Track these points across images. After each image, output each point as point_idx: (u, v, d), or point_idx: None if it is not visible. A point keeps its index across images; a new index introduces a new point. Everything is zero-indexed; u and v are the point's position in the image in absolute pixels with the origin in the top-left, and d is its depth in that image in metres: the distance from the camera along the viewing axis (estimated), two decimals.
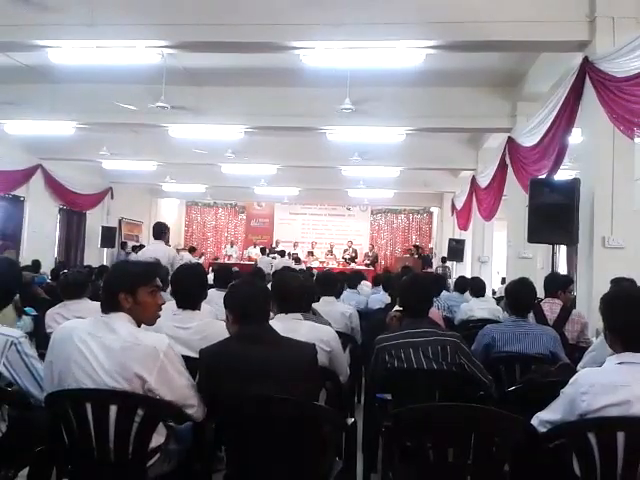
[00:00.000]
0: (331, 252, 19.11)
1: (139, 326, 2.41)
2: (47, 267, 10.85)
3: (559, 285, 5.01)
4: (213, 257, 20.26)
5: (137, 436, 2.28)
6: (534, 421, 2.30)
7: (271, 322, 2.74)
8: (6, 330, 2.50)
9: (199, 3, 6.09)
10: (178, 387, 2.35)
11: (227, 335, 2.65)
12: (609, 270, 4.94)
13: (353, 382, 4.29)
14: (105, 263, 14.76)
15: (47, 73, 8.62)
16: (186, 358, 2.51)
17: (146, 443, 2.30)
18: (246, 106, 9.30)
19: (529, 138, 7.19)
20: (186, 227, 22.16)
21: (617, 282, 4.26)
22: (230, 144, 11.47)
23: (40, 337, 4.76)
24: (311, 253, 19.05)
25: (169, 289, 3.89)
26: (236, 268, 12.51)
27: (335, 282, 5.24)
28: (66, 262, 13.96)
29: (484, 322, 5.12)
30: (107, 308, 2.38)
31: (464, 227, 13.51)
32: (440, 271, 15.44)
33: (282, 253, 17.03)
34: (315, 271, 12.11)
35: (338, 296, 5.33)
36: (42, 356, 2.68)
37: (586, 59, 5.51)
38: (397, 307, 3.85)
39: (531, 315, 4.15)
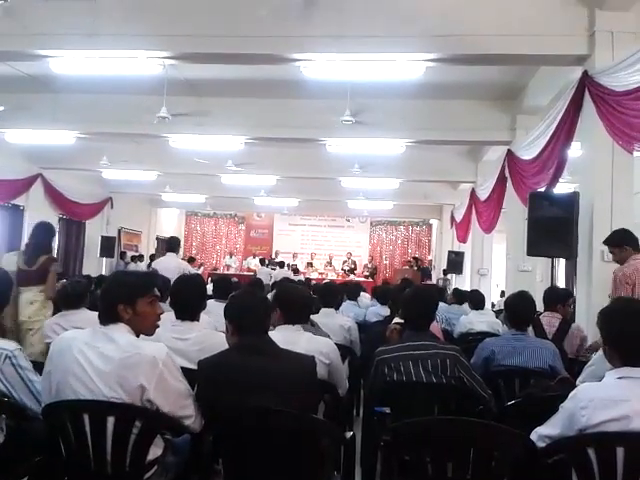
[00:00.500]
0: (330, 263, 19.11)
1: (138, 336, 2.41)
2: None
3: (558, 299, 5.01)
4: (212, 267, 20.25)
5: (134, 448, 2.27)
6: (533, 436, 2.29)
7: (271, 333, 2.73)
8: (0, 343, 2.50)
9: (201, 15, 6.12)
10: (176, 397, 2.35)
11: (226, 346, 2.65)
12: (608, 284, 4.92)
13: (352, 395, 4.28)
14: (104, 273, 14.75)
15: (49, 83, 8.64)
16: (184, 369, 2.50)
17: (143, 455, 2.30)
18: (246, 117, 9.33)
19: (528, 151, 7.20)
20: (185, 237, 22.13)
21: (617, 297, 4.25)
22: (230, 155, 11.49)
23: None
24: (310, 264, 19.05)
25: (168, 300, 3.90)
26: (235, 279, 12.51)
27: (336, 294, 5.24)
28: (65, 272, 13.94)
29: (483, 335, 5.12)
30: (106, 320, 2.38)
31: (463, 239, 13.51)
32: (441, 283, 15.45)
33: (281, 264, 17.03)
34: (313, 282, 12.12)
35: (338, 308, 5.32)
36: (40, 365, 2.68)
37: (585, 73, 5.53)
38: (397, 320, 3.85)
39: (530, 329, 4.15)
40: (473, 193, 11.87)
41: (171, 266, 5.74)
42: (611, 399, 2.12)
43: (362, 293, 8.71)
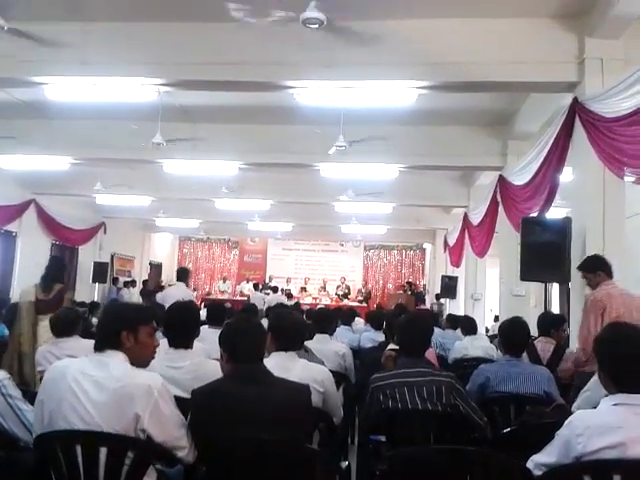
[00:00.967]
0: (324, 288, 19.08)
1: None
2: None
3: (552, 324, 5.02)
4: (206, 292, 20.17)
5: (127, 479, 2.23)
6: (529, 464, 2.27)
7: (266, 360, 2.72)
8: None
9: (195, 42, 6.18)
10: (170, 427, 2.33)
11: (219, 375, 2.63)
12: None
13: (346, 423, 4.24)
14: (97, 299, 14.68)
15: (43, 109, 8.67)
16: (177, 398, 2.47)
17: None
18: (240, 143, 9.38)
19: (520, 177, 7.26)
20: (179, 262, 22.06)
21: (610, 322, 4.24)
22: (224, 180, 11.53)
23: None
24: (304, 289, 19.02)
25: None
26: (229, 304, 12.47)
27: (330, 319, 5.22)
28: None
29: (478, 361, 5.11)
30: (105, 345, 2.37)
31: (457, 264, 13.54)
32: (435, 308, 15.43)
33: (275, 289, 17.00)
34: (307, 307, 12.08)
35: (332, 334, 5.30)
36: (31, 394, 2.65)
37: (576, 99, 5.60)
38: (392, 346, 3.84)
39: (525, 354, 4.14)
40: (466, 217, 11.92)
41: (178, 295, 5.89)
42: (607, 426, 2.11)
43: (356, 318, 8.68)
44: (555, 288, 10.38)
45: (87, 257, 15.99)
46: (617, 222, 5.49)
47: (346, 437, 4.54)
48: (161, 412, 2.28)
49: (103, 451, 2.21)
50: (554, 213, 6.87)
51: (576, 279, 5.56)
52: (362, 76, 6.09)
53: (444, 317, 10.04)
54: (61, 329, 4.45)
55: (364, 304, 17.71)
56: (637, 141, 4.50)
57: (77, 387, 2.25)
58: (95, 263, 16.04)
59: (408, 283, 19.16)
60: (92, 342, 4.10)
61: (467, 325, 6.63)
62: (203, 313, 5.62)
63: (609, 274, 4.65)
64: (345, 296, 18.64)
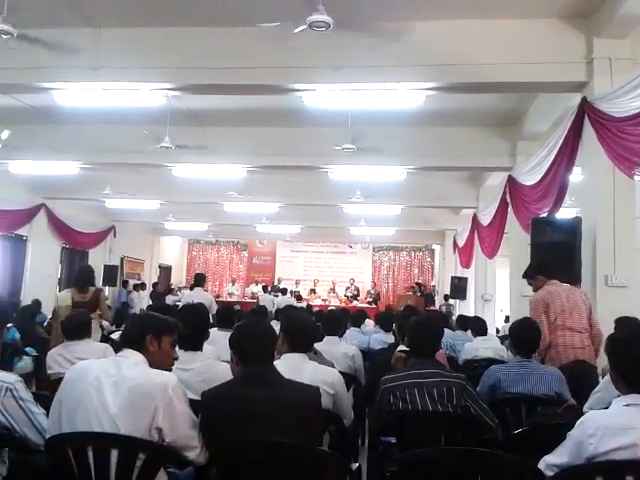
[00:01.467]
0: (333, 290, 19.07)
1: None
2: (49, 306, 10.81)
3: None
4: (215, 295, 20.20)
5: None
6: (541, 465, 2.27)
7: (276, 362, 2.73)
8: (1, 376, 2.50)
9: (203, 47, 6.21)
10: (183, 426, 2.36)
11: (229, 377, 2.64)
12: (612, 309, 4.90)
13: (356, 424, 4.24)
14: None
15: (53, 114, 8.74)
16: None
17: None
18: (249, 146, 9.40)
19: (529, 177, 7.23)
20: (188, 265, 22.18)
21: (621, 322, 4.23)
22: (233, 183, 11.55)
23: (41, 378, 4.74)
24: (313, 291, 19.02)
25: None
26: (238, 306, 12.50)
27: (341, 321, 5.22)
28: None
29: (488, 362, 5.09)
30: (127, 345, 2.46)
31: (466, 265, 13.50)
32: (444, 309, 15.39)
33: (284, 291, 17.01)
34: (316, 309, 12.08)
35: (341, 336, 5.30)
36: (42, 396, 2.67)
37: (584, 99, 5.57)
38: (402, 347, 3.83)
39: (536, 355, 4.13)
40: (475, 218, 11.89)
41: (198, 299, 6.68)
42: (618, 427, 2.10)
43: (366, 320, 8.68)
44: None
45: (97, 260, 16.03)
46: (627, 221, 5.47)
47: (356, 439, 4.54)
48: (174, 409, 2.32)
49: (114, 453, 2.23)
50: (564, 213, 6.84)
51: (587, 279, 5.54)
52: (370, 78, 6.09)
53: (454, 318, 10.00)
54: (72, 332, 4.47)
55: (373, 305, 17.69)
56: None
57: (96, 388, 2.29)
58: (105, 266, 16.11)
59: (417, 284, 19.11)
60: (103, 345, 4.14)
61: (477, 326, 6.61)
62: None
63: (548, 275, 4.93)
64: (354, 297, 18.63)
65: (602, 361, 4.62)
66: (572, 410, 3.22)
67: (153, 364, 2.45)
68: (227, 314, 5.49)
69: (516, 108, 8.22)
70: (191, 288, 17.23)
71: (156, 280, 19.05)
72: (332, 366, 3.65)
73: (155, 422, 2.27)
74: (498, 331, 11.18)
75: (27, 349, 6.40)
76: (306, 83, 6.32)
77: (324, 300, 18.18)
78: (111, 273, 16.20)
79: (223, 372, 2.85)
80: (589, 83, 5.66)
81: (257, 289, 19.00)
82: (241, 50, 6.14)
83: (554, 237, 5.93)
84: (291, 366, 2.91)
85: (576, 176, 6.14)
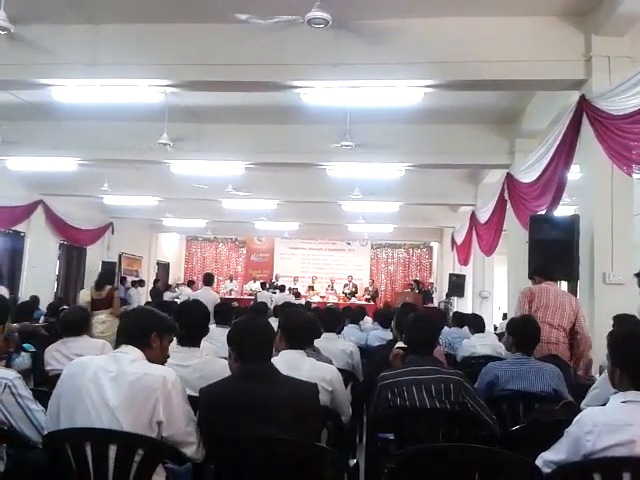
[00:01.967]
0: (332, 287, 19.07)
1: None
2: (46, 303, 10.81)
3: None
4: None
5: (136, 477, 2.25)
6: (538, 461, 2.27)
7: (274, 358, 2.73)
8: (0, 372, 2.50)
9: (201, 43, 6.21)
10: (182, 421, 2.37)
11: (227, 373, 2.64)
12: (610, 306, 4.92)
13: (355, 421, 4.24)
14: None
15: (50, 111, 8.72)
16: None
17: None
18: (247, 143, 9.40)
19: (528, 174, 7.24)
20: (186, 262, 22.17)
21: (619, 319, 4.24)
22: (231, 180, 11.54)
23: (38, 374, 4.73)
24: (312, 288, 19.02)
25: None
26: (236, 303, 12.50)
27: (339, 318, 5.23)
28: (65, 298, 13.92)
29: (486, 359, 5.09)
30: (131, 341, 2.48)
31: (464, 262, 13.51)
32: (442, 306, 15.40)
33: (282, 288, 17.00)
34: (314, 306, 12.08)
35: (340, 332, 5.30)
36: (40, 393, 2.67)
37: (583, 97, 5.58)
38: (400, 344, 3.83)
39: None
40: (473, 216, 11.90)
41: (207, 298, 7.10)
42: (616, 423, 2.10)
43: (364, 317, 8.68)
44: (563, 286, 10.35)
45: (95, 257, 16.06)
46: (625, 219, 5.48)
47: (354, 435, 4.54)
48: (173, 404, 2.33)
49: (113, 449, 2.23)
50: (562, 211, 6.85)
51: (584, 276, 5.56)
52: (368, 75, 6.09)
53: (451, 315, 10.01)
54: (69, 328, 4.46)
55: (371, 303, 17.69)
56: None
57: (95, 383, 2.30)
58: (103, 263, 16.08)
59: (415, 281, 19.09)
60: (101, 342, 4.14)
61: (475, 323, 6.60)
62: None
63: (544, 276, 5.09)
64: (352, 295, 18.62)
65: (600, 358, 4.65)
66: (570, 407, 3.23)
67: (152, 359, 2.47)
68: (225, 311, 5.49)
69: (514, 106, 8.22)
70: (189, 284, 17.41)
71: (157, 277, 19.05)
72: (330, 363, 3.65)
73: (156, 416, 2.28)
74: (496, 328, 11.18)
75: (25, 345, 6.39)
76: (304, 80, 6.31)
77: (322, 297, 18.19)
78: (109, 270, 16.17)
79: (221, 369, 2.85)
80: (587, 81, 5.67)
81: (255, 286, 18.98)
82: (239, 47, 6.13)
83: (552, 235, 5.94)
84: (289, 363, 2.91)
85: (574, 174, 6.14)
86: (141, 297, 16.03)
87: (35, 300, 9.34)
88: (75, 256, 15.40)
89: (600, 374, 3.91)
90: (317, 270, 20.43)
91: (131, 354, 2.42)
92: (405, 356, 3.46)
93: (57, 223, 14.00)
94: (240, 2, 5.65)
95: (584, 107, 5.53)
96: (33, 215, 13.12)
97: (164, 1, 5.86)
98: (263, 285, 18.36)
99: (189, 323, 3.21)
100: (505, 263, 9.67)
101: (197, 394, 2.55)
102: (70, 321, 4.51)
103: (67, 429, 2.29)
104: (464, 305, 13.59)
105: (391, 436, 3.14)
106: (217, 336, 4.17)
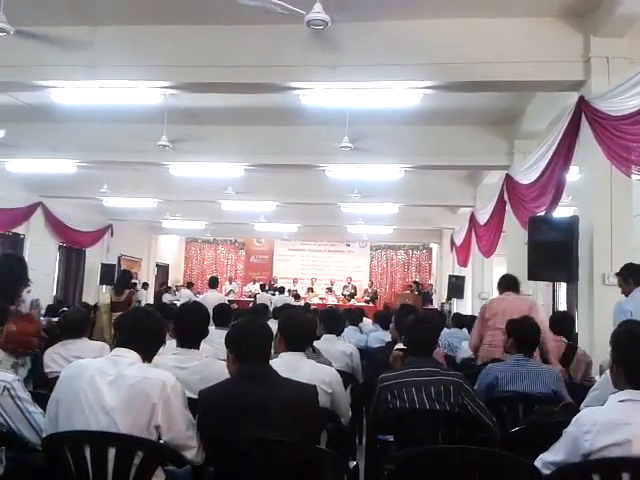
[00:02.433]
0: (331, 289, 19.06)
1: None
2: (46, 305, 10.79)
3: (565, 323, 5.00)
4: None
5: None
6: (537, 463, 2.27)
7: (274, 360, 2.72)
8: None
9: (200, 45, 6.20)
10: (181, 424, 2.37)
11: (226, 375, 2.64)
12: (609, 307, 4.90)
13: (354, 423, 4.24)
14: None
15: (50, 112, 8.72)
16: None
17: None
18: (246, 144, 9.39)
19: (527, 176, 7.24)
20: (185, 263, 22.16)
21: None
22: (230, 181, 11.55)
23: (37, 376, 4.73)
24: (311, 289, 19.01)
25: None
26: (235, 305, 12.50)
27: (340, 320, 5.23)
28: (64, 300, 13.90)
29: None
30: (130, 343, 2.48)
31: (464, 263, 13.50)
32: (446, 308, 15.38)
33: (281, 290, 17.00)
34: (313, 307, 12.07)
35: (340, 334, 5.30)
36: (39, 395, 2.67)
37: (582, 98, 5.58)
38: (400, 345, 3.83)
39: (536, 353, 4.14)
40: (472, 217, 11.90)
41: (215, 299, 8.07)
42: (613, 422, 2.11)
43: (364, 319, 8.68)
44: (563, 287, 10.36)
45: (94, 259, 16.04)
46: (625, 220, 5.48)
47: (354, 437, 4.54)
48: (172, 407, 2.33)
49: (112, 452, 2.23)
50: (561, 212, 6.85)
51: (584, 278, 5.55)
52: (367, 77, 6.09)
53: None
54: (69, 331, 4.46)
55: (371, 304, 17.69)
56: None
57: (93, 386, 2.30)
58: (103, 265, 16.08)
59: (415, 283, 19.10)
60: (100, 344, 4.14)
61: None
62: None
63: (505, 289, 5.39)
64: (352, 296, 18.62)
65: (599, 359, 4.65)
66: (570, 408, 3.22)
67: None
68: (224, 313, 5.48)
69: (513, 107, 8.22)
70: (188, 286, 17.42)
71: (154, 279, 19.05)
72: (329, 364, 3.65)
73: (154, 420, 2.28)
74: None
75: None
76: (303, 81, 6.31)
77: (322, 299, 18.18)
78: (108, 272, 16.14)
79: (220, 371, 2.84)
80: (586, 82, 5.66)
81: (255, 288, 18.97)
82: (238, 48, 6.14)
83: (551, 236, 5.93)
84: (288, 365, 2.91)
85: (573, 175, 6.15)
86: (143, 299, 15.98)
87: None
88: (74, 258, 15.38)
89: (600, 375, 3.91)
90: (316, 272, 20.42)
91: (129, 357, 2.41)
92: (405, 358, 3.46)
93: (56, 225, 14.00)
94: (239, 5, 5.64)
95: (583, 108, 5.53)
96: (32, 217, 13.11)
97: (163, 3, 5.86)
98: (262, 287, 18.35)
99: (189, 325, 3.22)
100: (504, 264, 9.66)
101: (196, 396, 2.55)
102: (70, 323, 4.51)
103: (66, 432, 2.28)
104: (463, 306, 13.58)
105: (391, 438, 3.14)
106: (216, 338, 4.16)
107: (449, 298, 15.59)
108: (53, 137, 9.58)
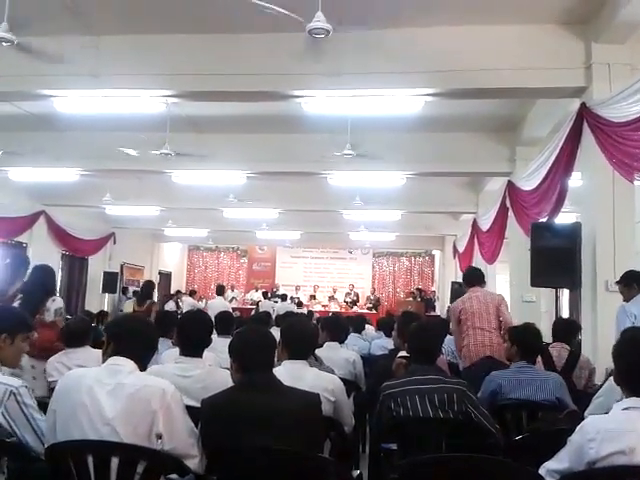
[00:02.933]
0: (333, 297, 19.04)
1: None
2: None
3: (569, 330, 4.99)
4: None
5: None
6: (541, 471, 2.26)
7: (277, 369, 2.72)
8: (6, 379, 2.50)
9: (202, 54, 6.23)
10: (182, 433, 2.36)
11: (229, 384, 2.64)
12: (612, 314, 4.90)
13: (357, 431, 4.22)
14: (106, 309, 14.72)
15: (52, 121, 8.74)
16: (188, 407, 2.48)
17: None
18: (248, 152, 9.41)
19: (529, 182, 7.24)
20: (188, 271, 22.16)
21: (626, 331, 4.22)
22: (232, 189, 11.57)
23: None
24: (313, 297, 18.99)
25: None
26: (238, 313, 12.50)
27: (343, 327, 5.22)
28: (67, 308, 13.88)
29: None
30: (127, 351, 2.46)
31: None
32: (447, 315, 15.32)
33: (284, 297, 16.99)
34: (316, 315, 12.07)
35: (343, 342, 5.29)
36: (44, 404, 2.66)
37: (583, 105, 5.58)
38: (403, 353, 3.82)
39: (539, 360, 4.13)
40: (475, 224, 11.89)
41: (220, 305, 8.80)
42: (617, 430, 2.09)
43: (367, 326, 8.66)
44: (566, 294, 10.33)
45: (97, 267, 16.05)
46: (627, 226, 5.47)
47: (357, 446, 4.52)
48: (173, 416, 2.32)
49: (115, 461, 2.22)
50: (564, 218, 6.84)
51: (587, 284, 5.54)
52: (369, 84, 6.10)
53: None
54: (71, 339, 4.46)
55: (373, 311, 17.66)
56: None
57: (92, 397, 2.28)
58: (105, 273, 16.09)
59: (418, 290, 19.07)
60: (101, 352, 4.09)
61: None
62: None
63: (469, 285, 5.53)
64: (354, 303, 18.59)
65: (602, 366, 4.64)
66: (573, 416, 3.21)
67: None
68: (226, 321, 5.47)
69: (515, 113, 8.23)
70: (191, 294, 17.43)
71: (161, 287, 19.06)
72: (332, 372, 3.64)
73: (155, 428, 2.26)
74: None
75: None
76: (305, 89, 6.33)
77: (324, 306, 18.16)
78: (111, 280, 16.18)
79: (223, 379, 2.84)
80: (588, 88, 5.67)
81: (257, 295, 18.96)
82: (240, 57, 6.16)
83: (554, 242, 5.94)
84: (291, 373, 2.90)
85: (575, 181, 6.14)
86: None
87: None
88: (77, 266, 15.39)
89: (605, 380, 3.90)
90: (319, 279, 20.42)
91: (127, 366, 2.39)
92: (408, 365, 3.45)
93: (59, 233, 14.01)
94: (241, 12, 5.66)
95: (585, 114, 5.53)
96: (35, 226, 13.12)
97: (165, 12, 5.89)
98: (265, 294, 18.34)
99: (192, 334, 3.22)
100: (507, 271, 9.65)
101: (199, 405, 2.54)
102: (72, 331, 4.51)
103: (69, 441, 2.27)
104: None
105: (394, 446, 3.13)
106: (219, 346, 4.15)
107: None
108: (56, 146, 9.61)
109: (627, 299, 4.83)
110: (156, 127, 8.33)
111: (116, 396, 2.28)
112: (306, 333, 3.25)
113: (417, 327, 3.41)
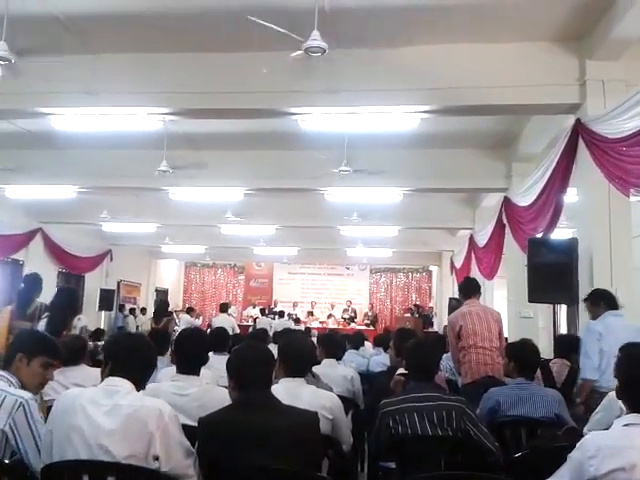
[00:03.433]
0: (331, 314, 18.98)
1: None
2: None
3: (570, 346, 4.99)
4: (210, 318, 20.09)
5: None
6: None
7: (274, 387, 2.70)
8: (17, 391, 2.51)
9: (199, 72, 6.26)
10: (179, 453, 2.33)
11: (226, 402, 2.62)
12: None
13: (356, 449, 4.19)
14: (102, 326, 14.65)
15: (49, 139, 8.76)
16: (184, 426, 2.46)
17: None
18: (245, 169, 9.43)
19: (524, 198, 7.26)
20: (185, 288, 22.11)
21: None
22: (229, 206, 11.58)
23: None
24: (311, 313, 18.94)
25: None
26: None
27: (340, 344, 5.21)
28: (62, 326, 13.80)
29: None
30: (123, 370, 2.43)
31: None
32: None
33: (281, 314, 16.95)
34: (315, 332, 12.04)
35: (340, 358, 5.27)
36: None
37: (578, 121, 5.61)
38: (401, 370, 3.81)
39: (539, 374, 4.12)
40: (472, 239, 11.89)
41: (226, 324, 8.94)
42: (617, 447, 2.08)
43: (365, 342, 8.63)
44: (563, 309, 10.34)
45: (94, 284, 16.00)
46: (624, 241, 5.47)
47: (355, 464, 4.48)
48: (170, 436, 2.30)
49: None
50: (561, 234, 6.85)
51: None
52: (365, 102, 6.14)
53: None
54: (67, 357, 4.41)
55: (371, 328, 17.62)
56: None
57: (87, 418, 2.26)
58: (102, 290, 16.04)
59: (415, 306, 19.05)
60: (98, 371, 4.09)
61: None
62: None
63: (466, 296, 5.50)
64: (352, 320, 18.55)
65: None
66: (572, 432, 3.20)
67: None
68: (221, 338, 5.43)
69: (510, 130, 8.27)
70: (188, 312, 17.36)
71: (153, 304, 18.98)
72: (330, 390, 3.62)
73: (152, 450, 2.24)
74: None
75: None
76: (302, 107, 6.36)
77: (322, 322, 18.11)
78: (108, 297, 16.13)
79: (220, 397, 2.82)
80: (582, 105, 5.71)
81: (254, 312, 18.92)
82: (236, 75, 6.20)
83: (551, 258, 5.94)
84: (289, 391, 2.89)
85: (571, 197, 6.16)
86: (142, 325, 15.90)
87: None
88: (73, 283, 15.33)
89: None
90: (316, 295, 20.39)
91: (124, 387, 2.37)
92: (406, 383, 3.44)
93: (55, 251, 13.98)
94: (237, 31, 5.70)
95: (580, 130, 5.56)
96: (31, 243, 13.10)
97: (162, 30, 5.92)
98: (262, 311, 18.30)
99: (188, 351, 3.20)
100: (504, 286, 9.64)
101: (195, 424, 2.52)
102: (68, 350, 4.47)
103: (65, 461, 2.25)
104: None
105: (393, 465, 3.10)
106: (216, 364, 4.13)
107: None
108: (53, 163, 9.62)
109: (594, 317, 4.81)
110: (153, 144, 8.36)
111: (113, 417, 2.26)
112: (304, 350, 3.24)
113: (414, 344, 3.39)
